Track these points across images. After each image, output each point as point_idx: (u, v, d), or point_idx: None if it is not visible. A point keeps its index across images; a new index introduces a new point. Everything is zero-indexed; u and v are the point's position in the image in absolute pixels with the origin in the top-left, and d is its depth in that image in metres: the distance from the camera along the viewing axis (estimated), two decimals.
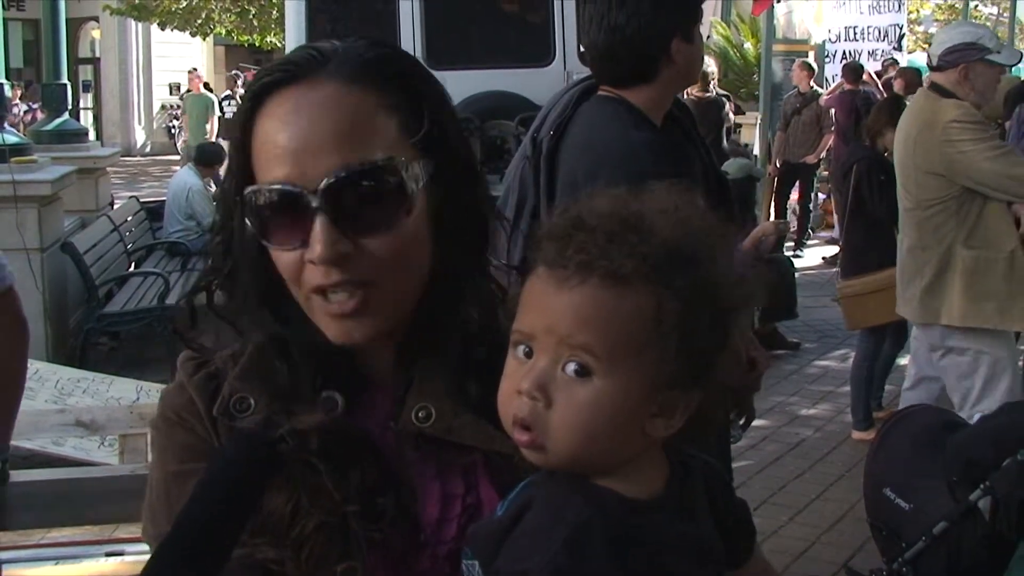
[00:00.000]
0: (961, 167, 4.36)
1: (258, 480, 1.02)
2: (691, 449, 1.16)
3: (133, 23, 27.15)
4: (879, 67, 14.33)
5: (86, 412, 4.52)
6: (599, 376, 1.03)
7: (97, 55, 30.62)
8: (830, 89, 12.50)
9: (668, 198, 1.08)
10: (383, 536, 1.13)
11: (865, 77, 12.38)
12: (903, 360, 7.03)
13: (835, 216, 9.91)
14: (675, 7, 2.69)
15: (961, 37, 4.61)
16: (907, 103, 6.42)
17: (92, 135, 13.96)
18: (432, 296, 1.18)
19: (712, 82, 11.08)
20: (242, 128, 1.16)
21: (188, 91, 21.20)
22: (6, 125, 8.29)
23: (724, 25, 18.83)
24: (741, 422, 3.04)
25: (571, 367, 1.03)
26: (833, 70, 14.67)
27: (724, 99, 11.18)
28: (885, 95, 10.54)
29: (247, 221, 1.16)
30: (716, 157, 10.51)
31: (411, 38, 8.67)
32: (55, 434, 4.51)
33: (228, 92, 20.80)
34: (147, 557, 1.05)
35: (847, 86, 12.02)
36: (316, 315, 1.16)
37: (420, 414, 1.16)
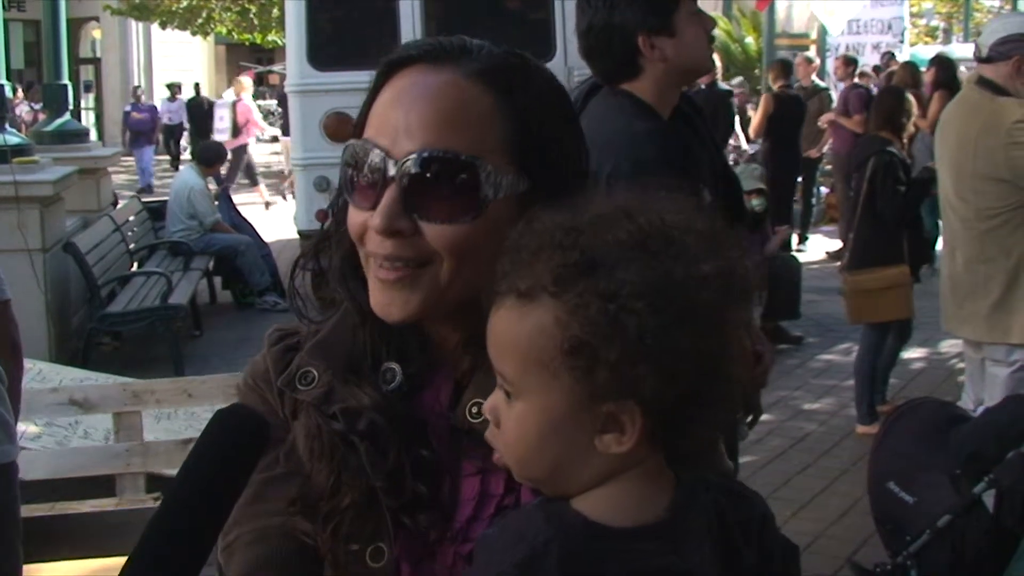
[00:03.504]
0: None
1: (245, 458, 1.02)
2: (716, 478, 1.13)
3: (134, 23, 27.19)
4: (878, 61, 14.33)
5: (79, 391, 4.52)
6: (517, 397, 1.04)
7: (98, 55, 30.65)
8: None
9: (613, 202, 1.06)
10: (412, 520, 1.15)
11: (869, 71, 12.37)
12: (907, 354, 7.05)
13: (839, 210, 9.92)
14: (631, 4, 2.68)
15: (1018, 27, 4.25)
16: (907, 95, 6.44)
17: (93, 135, 13.97)
18: None
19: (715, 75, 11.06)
20: (370, 95, 1.22)
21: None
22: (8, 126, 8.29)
23: (725, 20, 18.84)
24: (748, 419, 3.05)
25: (503, 391, 1.06)
26: (836, 64, 14.67)
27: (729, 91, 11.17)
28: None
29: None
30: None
31: (411, 35, 8.66)
32: (49, 414, 4.50)
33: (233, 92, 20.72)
34: None
35: (845, 80, 12.00)
36: (369, 279, 1.19)
37: (474, 409, 1.17)
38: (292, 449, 1.22)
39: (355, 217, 1.19)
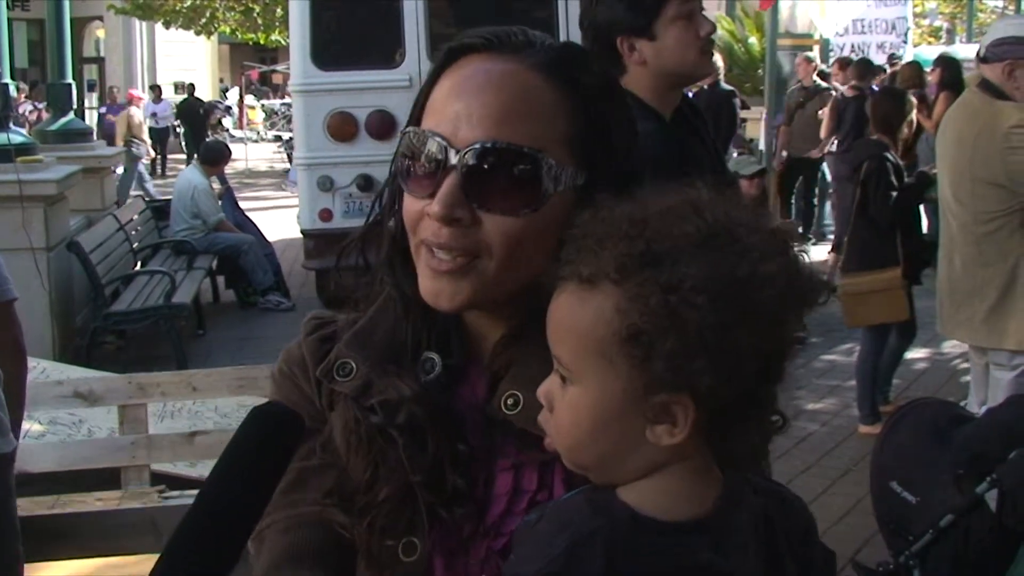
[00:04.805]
0: None
1: (279, 455, 1.03)
2: (763, 480, 1.14)
3: (138, 22, 27.21)
4: (883, 61, 14.28)
5: (83, 383, 4.52)
6: (572, 382, 1.04)
7: (102, 54, 30.69)
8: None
9: (681, 197, 1.06)
10: (449, 514, 1.15)
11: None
12: (910, 354, 7.04)
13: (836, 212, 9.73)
14: (612, 5, 2.67)
15: (1013, 30, 4.25)
16: (909, 97, 6.44)
17: (97, 135, 13.98)
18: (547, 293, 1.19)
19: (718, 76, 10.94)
20: (429, 81, 1.21)
21: None
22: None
23: (728, 20, 18.83)
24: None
25: (559, 376, 1.06)
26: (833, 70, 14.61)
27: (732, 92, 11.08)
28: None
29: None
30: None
31: (415, 36, 8.66)
32: (53, 406, 4.51)
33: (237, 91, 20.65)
34: None
35: (847, 83, 11.92)
36: (419, 267, 1.18)
37: (509, 401, 1.17)
38: (329, 440, 1.22)
39: (411, 205, 1.18)
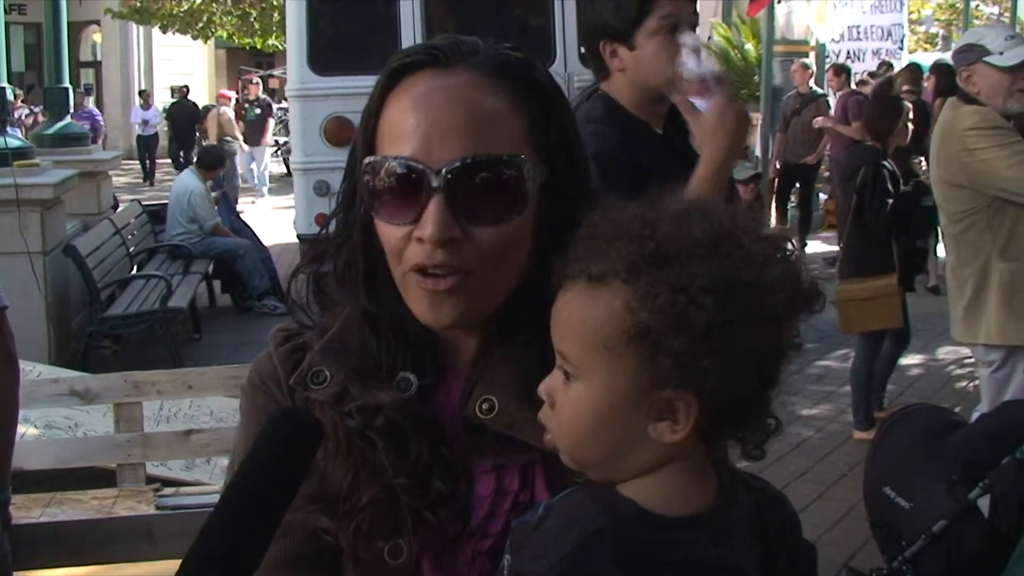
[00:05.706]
0: (984, 177, 4.09)
1: (303, 453, 1.04)
2: (756, 479, 1.17)
3: (134, 26, 27.20)
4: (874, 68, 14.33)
5: (79, 381, 4.51)
6: (577, 379, 1.06)
7: (99, 59, 30.65)
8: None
9: (689, 201, 1.08)
10: (432, 516, 1.16)
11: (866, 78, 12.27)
12: (904, 360, 7.05)
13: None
14: (598, 11, 2.67)
15: (967, 38, 4.41)
16: (901, 103, 6.47)
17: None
18: (521, 298, 1.20)
19: None
20: (376, 102, 1.19)
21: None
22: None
23: (725, 26, 18.83)
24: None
25: (562, 372, 1.07)
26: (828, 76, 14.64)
27: None
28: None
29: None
30: None
31: (411, 40, 8.67)
32: (49, 404, 4.50)
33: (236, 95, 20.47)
34: None
35: (842, 89, 11.94)
36: (410, 292, 1.18)
37: (484, 406, 1.18)
38: None
39: (392, 232, 1.17)
